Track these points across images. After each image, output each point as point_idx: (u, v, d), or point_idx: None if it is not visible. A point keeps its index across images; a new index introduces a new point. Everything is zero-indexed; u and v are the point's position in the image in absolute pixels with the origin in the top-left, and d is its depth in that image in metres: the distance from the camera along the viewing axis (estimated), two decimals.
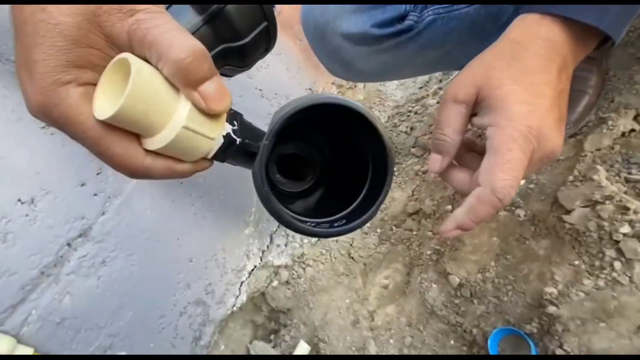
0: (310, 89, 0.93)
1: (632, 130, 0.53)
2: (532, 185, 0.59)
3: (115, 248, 0.64)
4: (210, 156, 0.24)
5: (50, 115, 0.18)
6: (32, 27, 0.17)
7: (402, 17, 0.45)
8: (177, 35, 0.18)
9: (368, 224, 0.96)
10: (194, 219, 0.77)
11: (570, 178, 0.53)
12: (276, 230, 0.95)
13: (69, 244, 0.59)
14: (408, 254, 0.81)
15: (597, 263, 0.48)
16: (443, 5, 0.46)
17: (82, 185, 0.62)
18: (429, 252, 0.74)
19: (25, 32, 0.18)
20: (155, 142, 0.20)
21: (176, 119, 0.19)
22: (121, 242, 0.65)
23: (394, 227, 0.89)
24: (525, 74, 0.26)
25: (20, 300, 0.53)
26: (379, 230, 0.92)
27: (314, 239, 0.95)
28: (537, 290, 0.53)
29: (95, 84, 0.19)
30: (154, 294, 0.72)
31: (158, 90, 0.19)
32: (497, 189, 0.24)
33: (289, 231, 0.96)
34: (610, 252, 0.47)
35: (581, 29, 0.26)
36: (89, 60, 0.18)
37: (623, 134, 0.53)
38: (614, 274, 0.46)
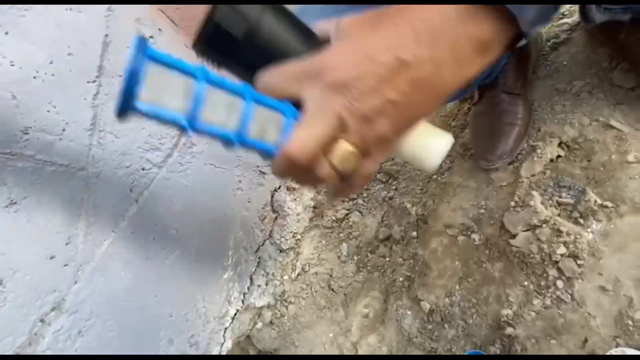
0: None
1: (559, 156, 0.58)
2: (482, 211, 0.64)
3: (90, 316, 0.64)
4: None
5: None
6: None
7: None
8: None
9: (345, 252, 0.99)
10: (170, 273, 0.78)
11: (512, 204, 0.58)
12: (255, 270, 0.97)
13: (42, 320, 0.59)
14: (383, 281, 0.84)
15: (542, 283, 0.52)
16: None
17: (51, 258, 0.62)
18: (401, 279, 0.78)
19: None
20: None
21: None
22: (97, 309, 0.65)
23: (369, 254, 0.91)
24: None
25: None
26: (355, 257, 0.95)
27: (293, 275, 0.96)
28: (496, 312, 0.56)
29: None
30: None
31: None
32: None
33: (268, 270, 0.98)
34: (553, 272, 0.52)
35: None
36: None
37: (551, 160, 0.58)
38: (558, 292, 0.50)
